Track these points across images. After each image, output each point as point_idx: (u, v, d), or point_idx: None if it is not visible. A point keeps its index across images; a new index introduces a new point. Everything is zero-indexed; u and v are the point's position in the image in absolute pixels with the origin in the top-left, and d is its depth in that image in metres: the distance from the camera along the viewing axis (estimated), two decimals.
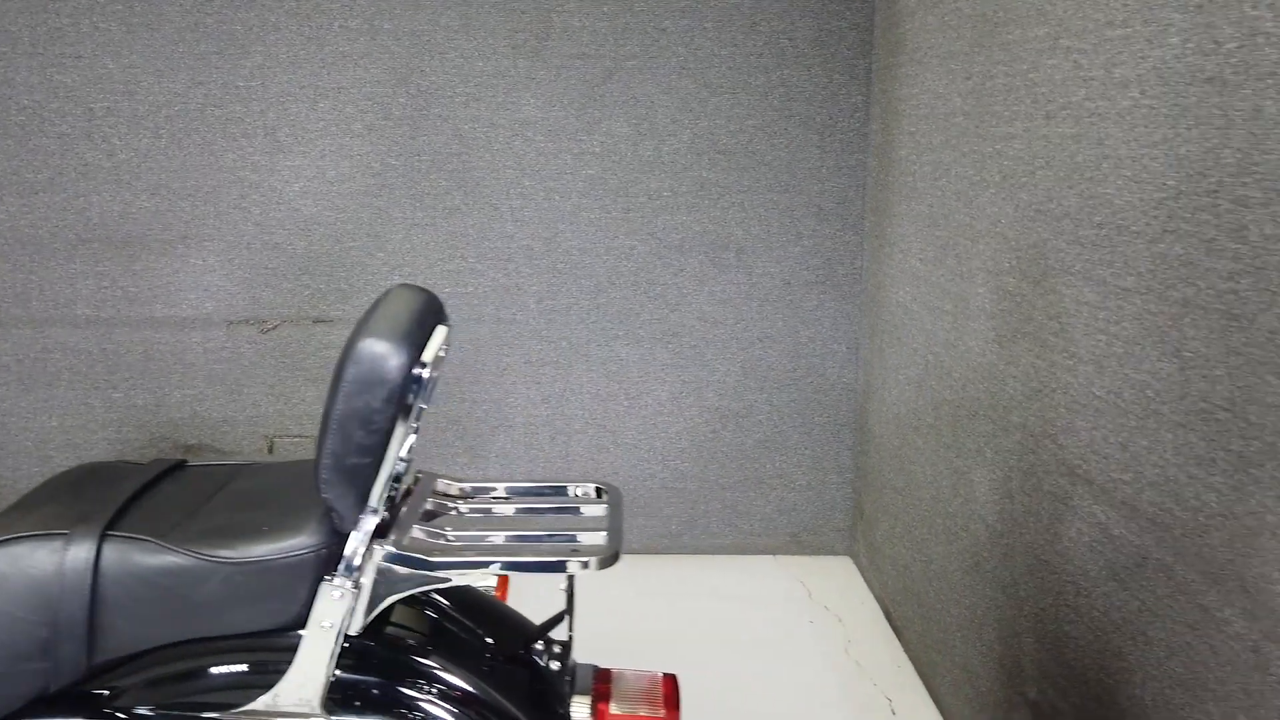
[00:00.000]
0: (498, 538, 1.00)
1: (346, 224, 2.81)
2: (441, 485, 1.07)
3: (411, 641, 1.04)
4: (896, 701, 2.31)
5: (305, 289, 2.85)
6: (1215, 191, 1.20)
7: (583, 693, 1.05)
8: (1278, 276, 1.08)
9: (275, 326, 2.86)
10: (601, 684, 1.08)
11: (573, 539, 0.98)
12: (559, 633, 1.11)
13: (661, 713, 1.05)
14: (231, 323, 2.85)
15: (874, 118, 2.75)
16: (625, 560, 3.04)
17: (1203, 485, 1.23)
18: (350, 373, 0.94)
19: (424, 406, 0.97)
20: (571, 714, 1.04)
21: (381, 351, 0.93)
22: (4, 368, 2.82)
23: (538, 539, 0.99)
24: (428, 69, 2.73)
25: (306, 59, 2.71)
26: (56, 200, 2.75)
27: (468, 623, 1.09)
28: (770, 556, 3.09)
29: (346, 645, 1.00)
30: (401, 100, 2.74)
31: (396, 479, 0.98)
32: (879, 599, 2.75)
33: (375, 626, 1.03)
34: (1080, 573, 1.55)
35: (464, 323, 2.89)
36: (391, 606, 1.07)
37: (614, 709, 1.05)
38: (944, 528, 2.18)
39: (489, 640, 1.07)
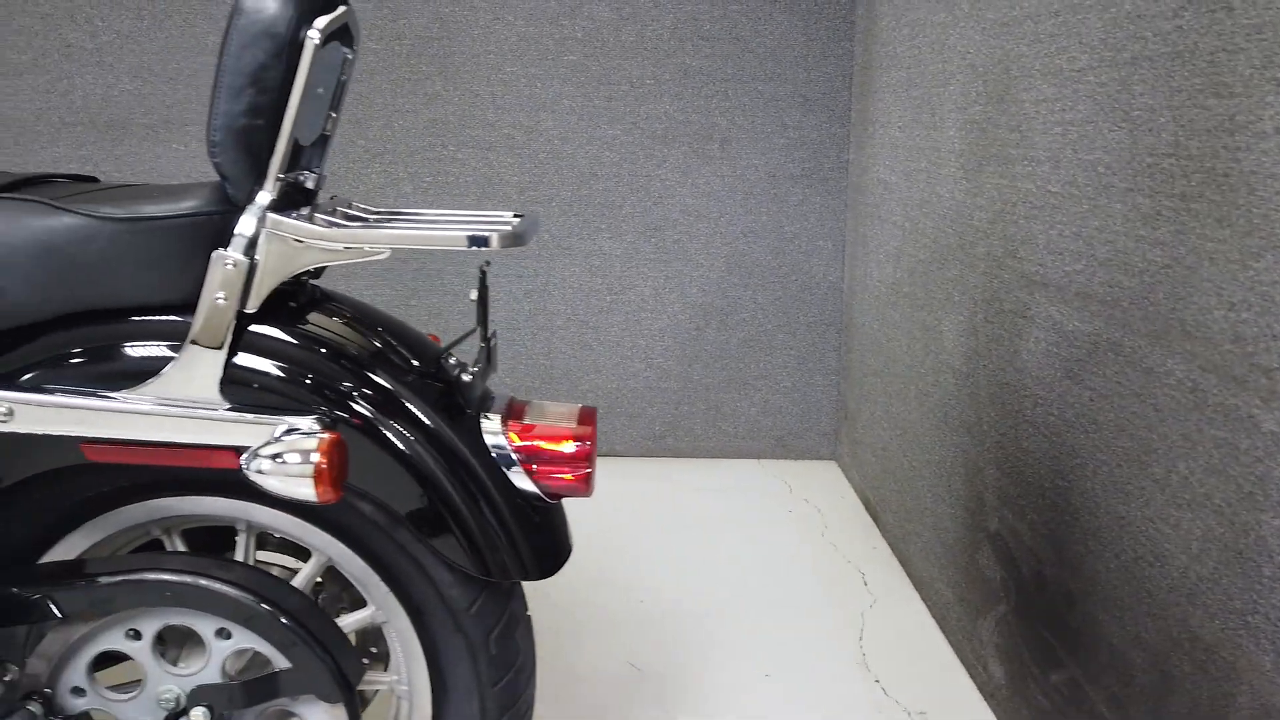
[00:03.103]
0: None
1: None
2: (357, 205, 1.05)
3: (319, 334, 1.01)
4: (869, 574, 2.27)
5: None
6: None
7: (497, 412, 1.03)
8: None
9: None
10: (517, 405, 1.06)
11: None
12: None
13: (573, 426, 1.02)
14: None
15: (861, 2, 2.70)
16: (605, 462, 3.01)
17: (1149, 243, 1.19)
18: (237, 24, 0.92)
19: (322, 91, 0.94)
20: (482, 424, 1.01)
21: (268, 3, 0.91)
22: None
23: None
24: None
25: None
26: (40, 82, 2.75)
27: (375, 332, 1.07)
28: (755, 460, 3.05)
29: (251, 330, 0.98)
30: None
31: (296, 158, 0.96)
32: (859, 493, 2.72)
33: (283, 319, 1.01)
34: (1038, 383, 1.51)
35: None
36: (299, 308, 1.05)
37: (526, 420, 1.02)
38: (917, 392, 2.15)
39: (397, 350, 1.05)
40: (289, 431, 0.91)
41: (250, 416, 0.93)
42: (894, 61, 2.33)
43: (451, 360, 1.07)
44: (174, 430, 0.94)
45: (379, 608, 1.08)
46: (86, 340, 0.97)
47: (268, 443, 0.89)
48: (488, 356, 1.06)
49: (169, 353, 0.97)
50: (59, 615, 0.98)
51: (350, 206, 1.05)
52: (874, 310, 2.53)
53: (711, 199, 2.87)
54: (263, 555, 1.22)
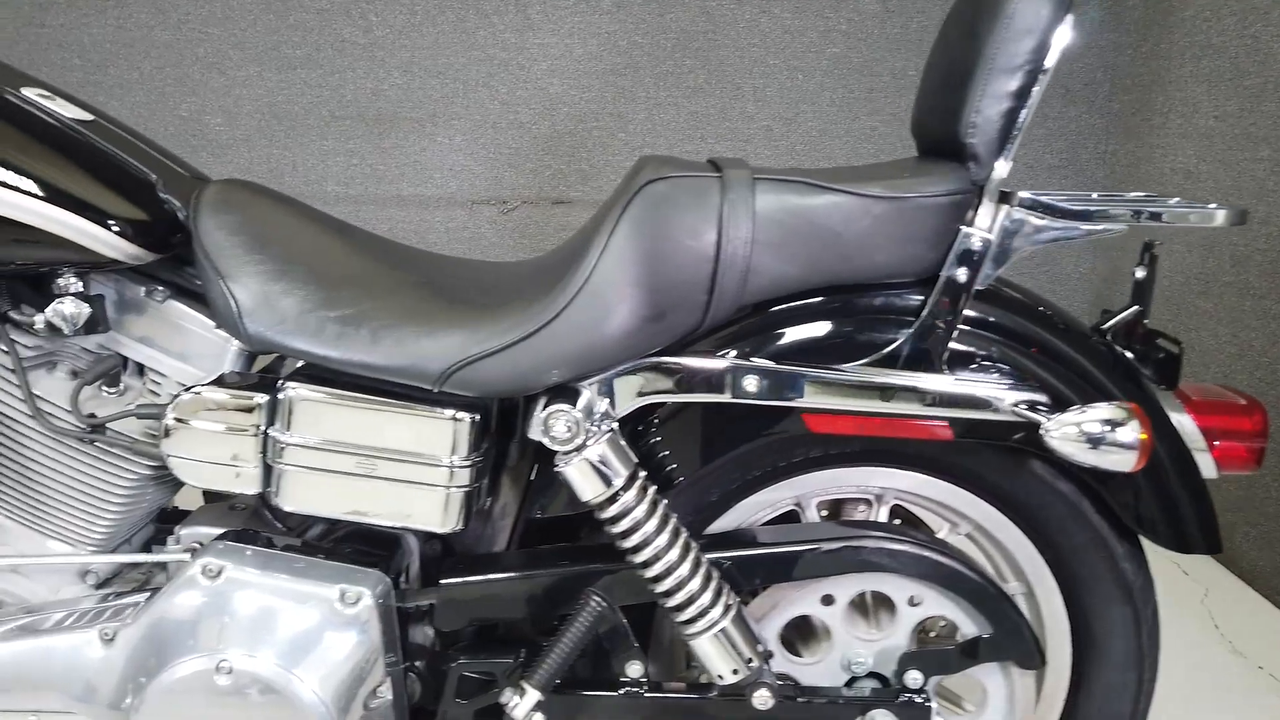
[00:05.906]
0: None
1: (590, 104, 2.83)
2: None
3: (1010, 309, 1.04)
4: (1184, 565, 2.27)
5: (547, 169, 2.87)
6: None
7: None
8: None
9: (515, 207, 2.89)
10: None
11: None
12: None
13: (1244, 402, 1.04)
14: (474, 202, 2.88)
15: None
16: None
17: None
18: (1015, 8, 0.94)
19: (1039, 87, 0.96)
20: (1161, 401, 1.03)
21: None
22: None
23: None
24: None
25: None
26: (313, 76, 2.80)
27: (1043, 307, 1.10)
28: None
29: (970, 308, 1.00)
30: None
31: None
32: None
33: (979, 295, 1.03)
34: None
35: None
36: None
37: (1195, 399, 1.04)
38: (1249, 379, 2.14)
39: (1070, 327, 1.08)
40: (1057, 409, 0.94)
41: (980, 392, 0.96)
42: (1208, 50, 2.32)
43: (1109, 338, 1.09)
44: (901, 402, 0.96)
45: (1013, 580, 1.10)
46: (823, 313, 1.00)
47: (1075, 417, 0.91)
48: (1147, 334, 1.08)
49: (898, 328, 0.99)
50: (781, 579, 1.01)
51: None
52: (1163, 299, 2.52)
53: None
54: None
